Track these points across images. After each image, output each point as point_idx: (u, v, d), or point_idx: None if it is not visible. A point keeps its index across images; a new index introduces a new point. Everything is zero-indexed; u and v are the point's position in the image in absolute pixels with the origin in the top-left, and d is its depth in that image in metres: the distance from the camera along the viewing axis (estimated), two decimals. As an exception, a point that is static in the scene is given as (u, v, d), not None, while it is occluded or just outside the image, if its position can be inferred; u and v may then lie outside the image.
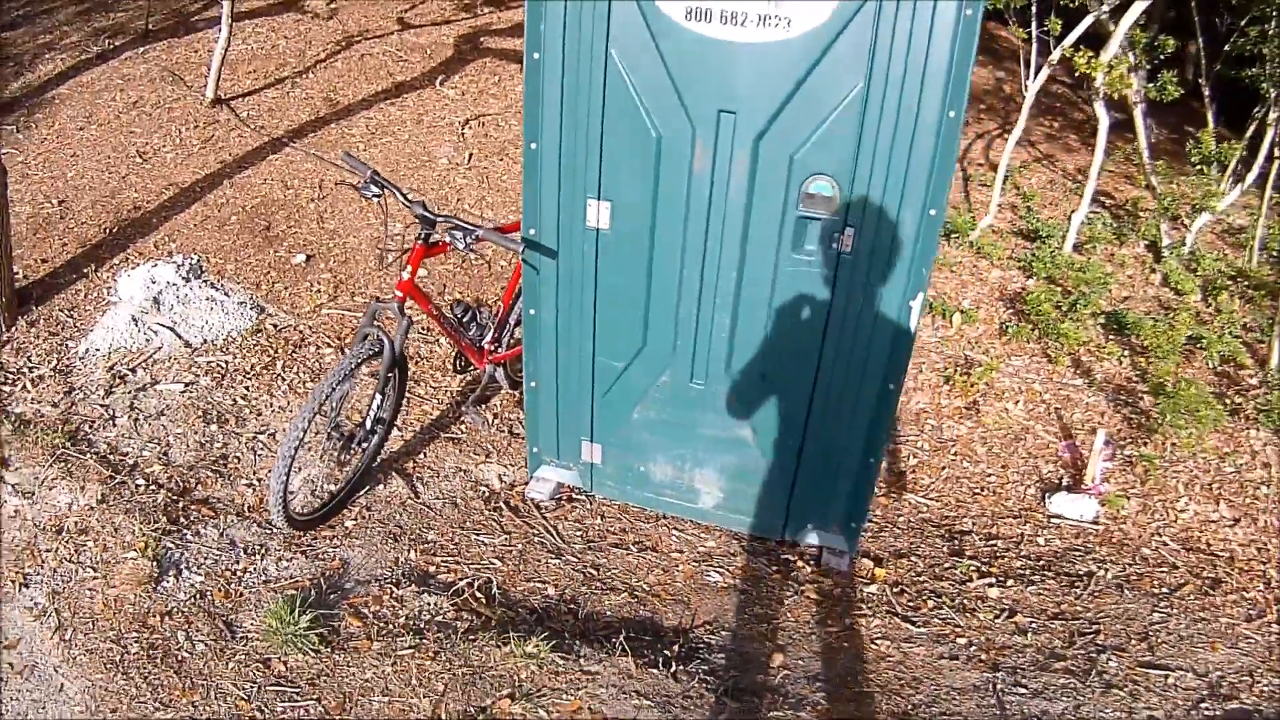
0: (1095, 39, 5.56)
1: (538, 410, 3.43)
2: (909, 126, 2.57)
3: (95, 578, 2.84)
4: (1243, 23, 5.65)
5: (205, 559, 2.95)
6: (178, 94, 7.13)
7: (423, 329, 4.55)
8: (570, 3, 2.69)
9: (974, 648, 2.95)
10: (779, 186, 2.73)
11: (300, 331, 4.56)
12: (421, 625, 2.67)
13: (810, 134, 2.65)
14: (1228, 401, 4.54)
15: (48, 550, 2.95)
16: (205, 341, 4.27)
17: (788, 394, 3.04)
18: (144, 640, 2.62)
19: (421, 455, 3.74)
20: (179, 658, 2.56)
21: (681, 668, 2.62)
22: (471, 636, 2.60)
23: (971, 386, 4.62)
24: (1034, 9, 5.89)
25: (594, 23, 2.69)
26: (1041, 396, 4.67)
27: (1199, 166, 5.84)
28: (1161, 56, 5.87)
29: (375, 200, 3.14)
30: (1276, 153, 5.55)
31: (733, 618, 2.96)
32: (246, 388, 3.99)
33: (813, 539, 3.31)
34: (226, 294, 4.65)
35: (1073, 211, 5.96)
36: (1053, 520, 3.82)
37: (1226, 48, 6.56)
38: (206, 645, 2.60)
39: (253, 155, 6.18)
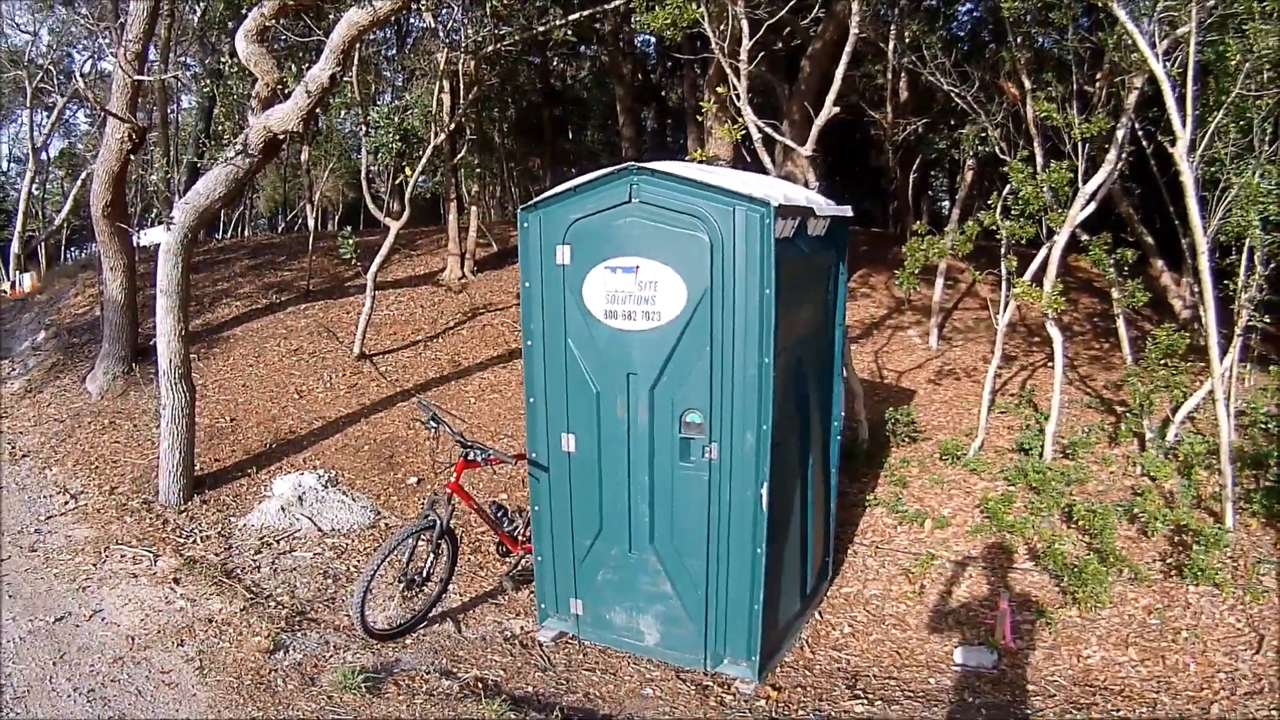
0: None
1: (542, 577, 5.42)
2: (742, 372, 4.58)
3: (230, 646, 5.03)
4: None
5: (306, 647, 5.07)
6: (330, 347, 10.09)
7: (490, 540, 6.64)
8: (546, 316, 4.96)
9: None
10: (668, 419, 4.79)
11: (405, 531, 6.85)
12: (436, 695, 4.61)
13: (682, 383, 4.72)
14: (1169, 563, 5.90)
15: (201, 630, 5.19)
16: (334, 529, 6.64)
17: (691, 559, 4.92)
18: (256, 680, 4.71)
19: (471, 611, 5.79)
20: (274, 690, 4.62)
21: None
22: (464, 701, 4.54)
23: (923, 574, 6.23)
24: (1002, 250, 7.74)
25: (559, 324, 4.94)
26: (989, 579, 6.21)
27: (1162, 360, 7.17)
28: (1126, 269, 7.53)
29: (433, 431, 5.42)
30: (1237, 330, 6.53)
31: (650, 714, 4.73)
32: (358, 561, 6.27)
33: (727, 670, 5.03)
34: (354, 500, 7.04)
35: (1046, 418, 7.58)
36: (954, 668, 5.26)
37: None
38: (295, 686, 4.64)
39: (386, 401, 8.89)
